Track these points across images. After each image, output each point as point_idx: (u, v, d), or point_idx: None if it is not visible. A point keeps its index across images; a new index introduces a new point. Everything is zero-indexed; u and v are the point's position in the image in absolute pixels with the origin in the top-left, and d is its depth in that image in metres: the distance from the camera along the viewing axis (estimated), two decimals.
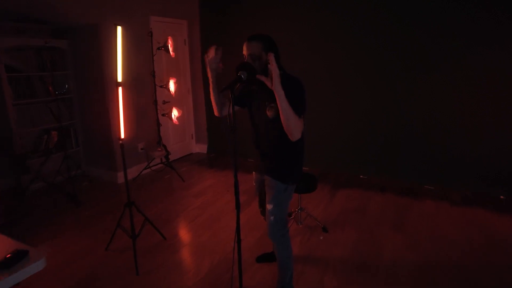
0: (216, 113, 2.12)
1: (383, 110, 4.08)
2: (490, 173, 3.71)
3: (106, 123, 4.32)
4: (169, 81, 4.37)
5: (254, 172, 2.30)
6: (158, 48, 4.30)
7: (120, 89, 2.41)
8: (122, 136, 2.48)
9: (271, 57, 1.65)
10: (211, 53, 1.94)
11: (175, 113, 4.43)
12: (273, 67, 1.65)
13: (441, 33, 3.57)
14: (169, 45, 4.17)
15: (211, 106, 2.13)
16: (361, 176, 4.44)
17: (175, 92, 4.45)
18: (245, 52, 1.92)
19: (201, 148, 5.79)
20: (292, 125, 1.73)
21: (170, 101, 4.85)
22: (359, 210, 3.53)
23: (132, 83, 4.43)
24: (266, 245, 2.84)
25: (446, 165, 3.91)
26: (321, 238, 3.01)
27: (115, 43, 2.40)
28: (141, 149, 4.70)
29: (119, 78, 2.40)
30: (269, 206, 2.06)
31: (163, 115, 4.55)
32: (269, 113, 1.92)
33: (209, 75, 1.99)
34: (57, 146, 4.38)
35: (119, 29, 2.33)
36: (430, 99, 3.81)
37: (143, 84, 4.58)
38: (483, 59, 3.47)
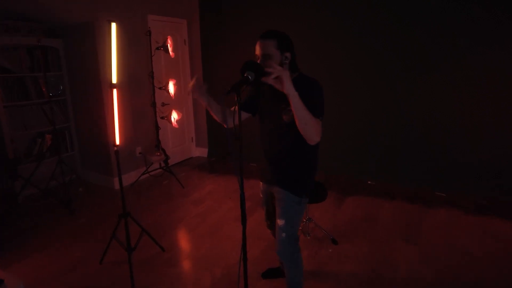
0: (225, 125, 1.92)
1: (383, 110, 4.01)
2: (502, 178, 3.56)
3: (102, 126, 4.13)
4: (168, 83, 4.19)
5: (261, 183, 2.12)
6: (157, 48, 4.12)
7: (114, 91, 2.22)
8: (117, 142, 2.29)
9: (271, 64, 1.52)
10: (192, 85, 1.77)
11: (174, 116, 4.25)
12: (277, 70, 1.48)
13: (441, 33, 3.52)
14: (169, 45, 3.99)
15: None
16: (368, 182, 4.26)
17: (174, 94, 4.26)
18: (257, 52, 1.73)
19: (202, 152, 5.61)
20: (310, 128, 1.56)
21: (169, 103, 4.66)
22: (369, 219, 3.34)
23: (130, 84, 4.25)
24: (272, 258, 2.65)
25: (454, 169, 3.76)
26: (330, 250, 2.82)
27: (111, 42, 2.22)
28: (139, 153, 4.51)
29: (114, 79, 2.22)
30: (280, 222, 1.87)
31: (162, 118, 4.36)
32: (286, 117, 1.73)
33: (201, 100, 1.82)
34: (51, 150, 4.19)
35: (113, 26, 2.14)
36: (430, 99, 3.74)
37: (141, 86, 4.40)
38: (483, 59, 3.41)
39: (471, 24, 3.37)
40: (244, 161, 5.15)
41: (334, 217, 3.38)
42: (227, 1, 4.78)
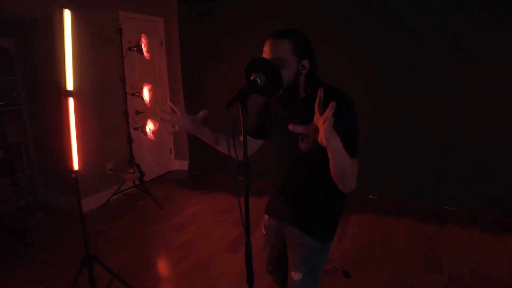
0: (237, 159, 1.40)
1: (383, 110, 3.84)
2: (502, 179, 3.41)
3: (64, 141, 3.51)
4: (142, 88, 3.64)
5: (267, 216, 1.63)
6: (129, 49, 3.57)
7: (71, 100, 1.67)
8: (76, 167, 1.74)
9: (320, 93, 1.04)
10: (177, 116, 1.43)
11: (150, 126, 3.69)
12: (327, 115, 0.97)
13: (441, 33, 3.47)
14: (143, 44, 3.45)
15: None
16: (370, 196, 3.87)
17: (150, 101, 3.71)
18: (267, 54, 1.26)
19: (181, 165, 5.05)
20: (348, 176, 1.13)
21: (144, 111, 4.09)
22: (381, 243, 2.91)
23: (97, 90, 3.67)
24: None
25: (455, 169, 3.58)
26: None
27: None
28: (110, 169, 3.91)
29: (70, 85, 1.67)
30: (296, 275, 1.39)
31: (135, 129, 3.79)
32: (303, 145, 1.28)
33: (199, 135, 1.47)
34: (3, 169, 3.53)
35: (66, 13, 1.60)
36: (430, 99, 3.63)
37: (110, 92, 3.81)
38: (483, 59, 3.36)
39: (471, 24, 3.32)
40: (224, 172, 4.68)
41: (341, 243, 2.93)
42: None
